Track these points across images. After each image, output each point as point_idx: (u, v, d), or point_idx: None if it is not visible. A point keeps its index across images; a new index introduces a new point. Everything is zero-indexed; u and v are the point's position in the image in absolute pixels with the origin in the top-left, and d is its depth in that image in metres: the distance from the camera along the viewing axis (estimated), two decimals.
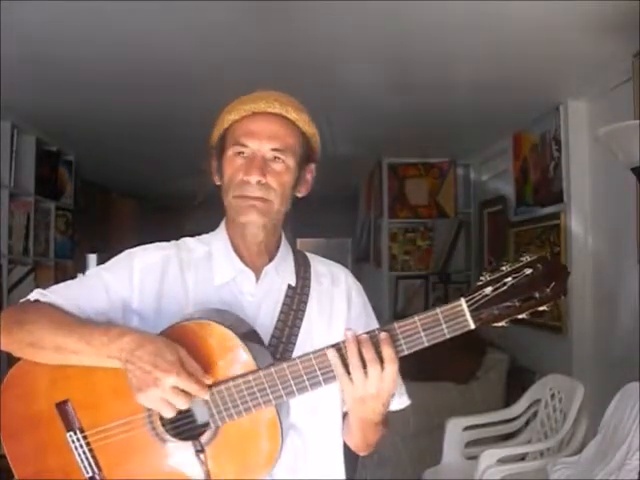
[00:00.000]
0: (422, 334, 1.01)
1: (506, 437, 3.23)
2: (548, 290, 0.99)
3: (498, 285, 0.99)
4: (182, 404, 1.01)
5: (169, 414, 1.03)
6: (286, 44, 2.76)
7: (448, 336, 1.01)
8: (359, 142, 4.78)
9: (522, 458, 2.88)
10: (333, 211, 7.63)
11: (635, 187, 2.72)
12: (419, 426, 3.65)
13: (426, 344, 1.02)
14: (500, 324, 1.01)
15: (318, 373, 1.04)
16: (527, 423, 3.14)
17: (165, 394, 1.00)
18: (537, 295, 0.99)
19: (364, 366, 1.01)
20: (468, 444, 3.15)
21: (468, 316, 1.00)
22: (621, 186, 2.94)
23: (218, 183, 1.23)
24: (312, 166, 1.25)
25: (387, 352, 1.01)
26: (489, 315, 1.00)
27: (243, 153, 1.17)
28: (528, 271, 0.99)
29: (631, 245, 2.89)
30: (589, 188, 3.46)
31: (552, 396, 3.01)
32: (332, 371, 1.03)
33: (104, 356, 1.04)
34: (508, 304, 0.99)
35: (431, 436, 3.43)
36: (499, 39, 2.66)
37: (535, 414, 3.10)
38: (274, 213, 1.18)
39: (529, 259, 0.99)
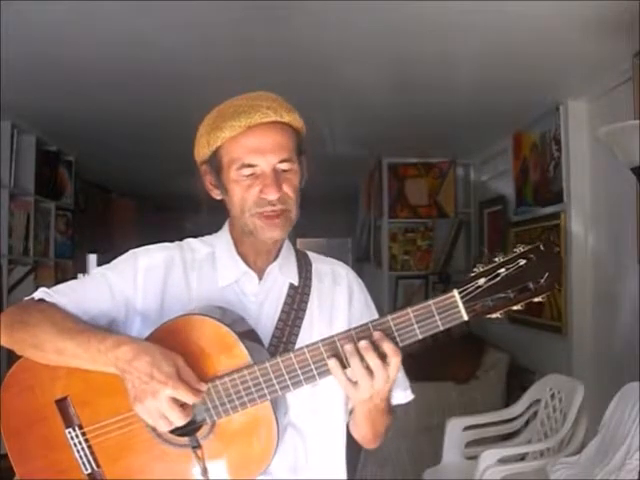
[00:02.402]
0: (415, 326, 1.01)
1: (506, 437, 3.22)
2: (542, 281, 0.97)
3: (491, 276, 0.98)
4: (178, 420, 1.02)
5: (164, 428, 1.03)
6: (286, 44, 2.76)
7: (442, 328, 1.00)
8: (359, 142, 4.78)
9: (522, 458, 2.87)
10: (333, 211, 7.64)
11: (635, 187, 2.72)
12: (419, 426, 3.65)
13: (420, 337, 1.01)
14: (494, 316, 1.00)
15: (312, 367, 1.04)
16: (527, 423, 3.14)
17: (162, 406, 1.00)
18: (531, 286, 0.97)
19: (369, 373, 1.01)
20: (468, 444, 3.14)
21: (461, 307, 0.99)
22: (621, 186, 2.94)
23: (219, 198, 1.22)
24: (303, 158, 1.23)
25: (388, 346, 1.01)
26: (483, 307, 0.98)
27: (251, 173, 1.14)
28: (522, 262, 0.97)
29: (631, 245, 2.89)
30: (589, 188, 3.45)
31: (552, 396, 3.00)
32: (326, 365, 1.03)
33: (100, 363, 1.05)
34: (502, 295, 0.98)
35: (431, 436, 3.43)
36: (499, 39, 2.66)
37: (535, 414, 3.10)
38: (292, 221, 1.18)
39: (522, 250, 0.98)
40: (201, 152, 1.20)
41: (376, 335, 1.01)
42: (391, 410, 1.19)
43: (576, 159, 3.48)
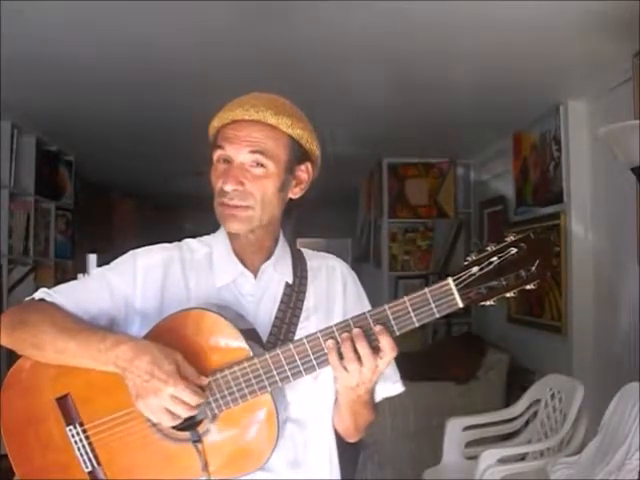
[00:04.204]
0: (412, 314, 1.02)
1: (506, 437, 3.22)
2: (533, 268, 0.99)
3: (484, 264, 1.00)
4: (182, 413, 1.03)
5: (169, 423, 1.05)
6: (286, 44, 2.76)
7: (437, 315, 1.02)
8: (359, 142, 4.78)
9: (522, 458, 2.87)
10: (333, 211, 7.63)
11: (635, 187, 2.71)
12: (419, 426, 3.65)
13: (416, 324, 1.03)
14: (488, 303, 1.02)
15: (312, 357, 1.05)
16: (527, 423, 3.14)
17: (164, 403, 1.02)
18: (523, 273, 1.00)
19: (359, 359, 1.03)
20: (468, 444, 3.14)
21: (456, 295, 1.01)
22: (621, 186, 2.95)
23: None
24: (307, 165, 1.24)
25: (387, 341, 1.03)
26: (477, 294, 1.01)
27: (223, 160, 1.18)
28: (513, 250, 1.00)
29: (631, 245, 2.89)
30: (589, 188, 3.46)
31: (552, 396, 3.00)
32: (325, 354, 1.05)
33: (101, 363, 1.06)
34: (495, 283, 1.00)
35: (431, 436, 3.43)
36: (499, 39, 2.66)
37: (535, 414, 3.09)
38: (256, 220, 1.18)
39: (513, 239, 1.00)
40: (209, 139, 1.24)
41: (377, 329, 1.03)
42: (374, 406, 1.21)
43: (576, 159, 3.48)
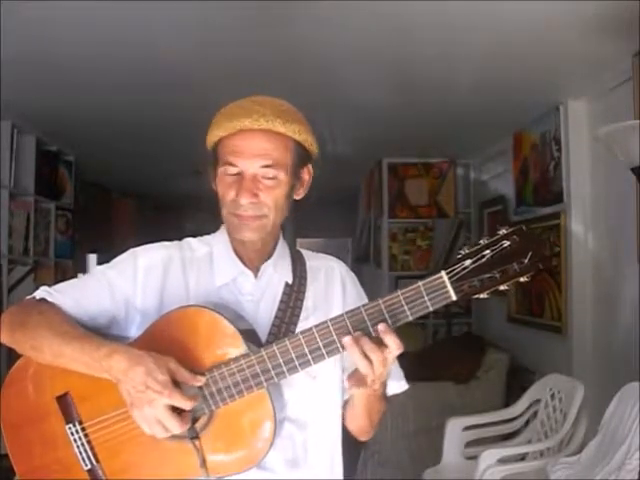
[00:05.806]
0: (405, 308, 1.03)
1: (506, 437, 3.22)
2: (526, 261, 1.00)
3: (477, 257, 1.01)
4: (176, 428, 1.04)
5: (161, 435, 1.05)
6: (286, 44, 2.76)
7: (431, 309, 1.02)
8: (359, 142, 4.78)
9: (522, 458, 2.87)
10: (333, 211, 7.64)
11: (635, 187, 2.72)
12: (419, 426, 3.65)
13: (410, 318, 1.03)
14: (482, 295, 1.02)
15: (307, 352, 1.06)
16: (527, 423, 3.14)
17: (159, 414, 1.02)
18: (515, 266, 1.00)
19: (366, 357, 1.04)
20: (468, 444, 3.14)
21: (450, 288, 1.01)
22: (621, 186, 2.95)
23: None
24: (309, 166, 1.25)
25: (392, 339, 1.03)
26: (470, 287, 1.01)
27: (232, 172, 1.17)
28: (505, 243, 1.00)
29: (631, 245, 2.89)
30: (589, 188, 3.46)
31: (552, 396, 3.00)
32: (320, 349, 1.05)
33: (94, 370, 1.07)
34: (488, 275, 1.01)
35: (431, 436, 3.43)
36: (499, 39, 2.66)
37: (535, 414, 3.10)
38: (269, 226, 1.19)
39: (506, 232, 1.01)
40: (207, 143, 1.23)
41: (381, 328, 1.03)
42: (386, 397, 1.22)
43: (576, 159, 3.48)
